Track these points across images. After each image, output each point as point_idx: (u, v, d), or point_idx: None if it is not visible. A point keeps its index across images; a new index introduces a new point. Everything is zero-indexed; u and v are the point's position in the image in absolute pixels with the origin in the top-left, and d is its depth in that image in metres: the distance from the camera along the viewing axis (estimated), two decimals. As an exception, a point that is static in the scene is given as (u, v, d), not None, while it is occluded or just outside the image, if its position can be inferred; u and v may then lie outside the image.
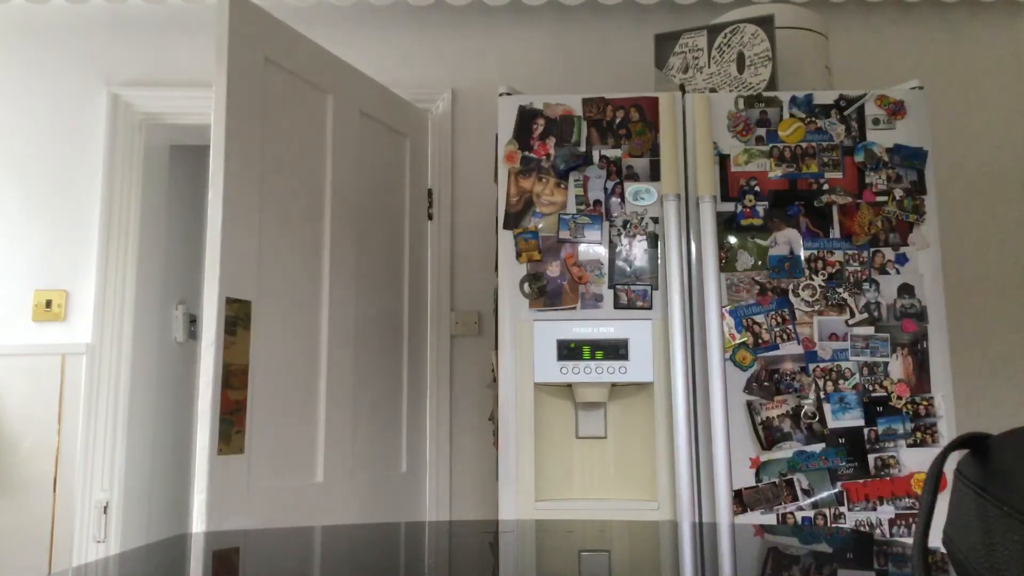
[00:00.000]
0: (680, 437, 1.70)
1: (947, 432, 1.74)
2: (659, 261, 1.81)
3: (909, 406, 1.75)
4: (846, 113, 1.87)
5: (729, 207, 1.83)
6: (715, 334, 1.74)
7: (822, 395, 1.75)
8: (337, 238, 2.05)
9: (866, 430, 1.74)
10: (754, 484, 1.72)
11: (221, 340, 1.67)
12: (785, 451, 1.73)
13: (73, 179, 2.55)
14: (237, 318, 1.72)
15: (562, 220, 1.82)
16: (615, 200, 1.84)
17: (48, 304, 2.46)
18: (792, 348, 1.77)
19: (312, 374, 1.93)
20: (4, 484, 2.36)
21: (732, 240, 1.82)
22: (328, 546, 1.05)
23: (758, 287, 1.79)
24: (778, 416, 1.74)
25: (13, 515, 2.35)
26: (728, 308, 1.79)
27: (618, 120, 1.87)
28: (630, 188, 1.84)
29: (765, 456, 1.73)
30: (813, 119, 1.87)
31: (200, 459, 1.63)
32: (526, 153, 1.87)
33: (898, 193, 1.84)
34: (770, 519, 1.71)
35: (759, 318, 1.78)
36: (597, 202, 1.84)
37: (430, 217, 2.54)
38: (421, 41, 2.67)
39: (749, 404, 1.75)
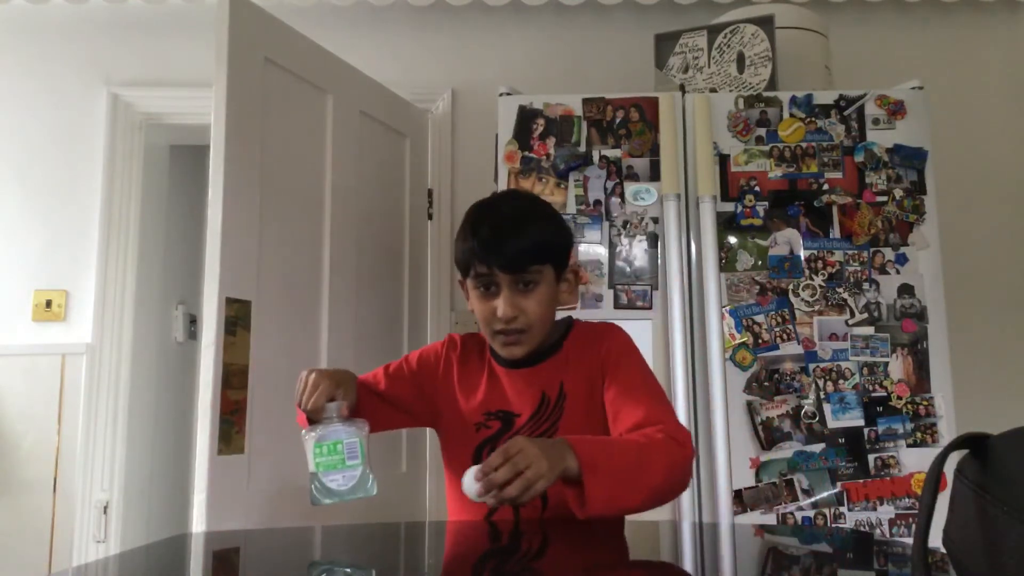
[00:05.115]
0: (680, 437, 1.69)
1: (947, 432, 1.74)
2: (659, 261, 1.81)
3: (909, 406, 1.75)
4: (846, 113, 1.87)
5: (729, 207, 1.83)
6: (715, 334, 1.74)
7: (822, 395, 1.75)
8: (337, 238, 2.04)
9: (866, 430, 1.74)
10: (754, 484, 1.72)
11: (221, 340, 1.67)
12: (785, 451, 1.73)
13: (73, 179, 2.54)
14: (237, 318, 1.72)
15: (562, 220, 1.82)
16: (615, 200, 1.84)
17: (48, 304, 2.46)
18: (792, 348, 1.77)
19: (312, 374, 1.93)
20: (4, 484, 2.36)
21: (732, 240, 1.82)
22: (328, 546, 1.05)
23: (758, 287, 1.79)
24: (778, 416, 1.74)
25: (13, 515, 2.35)
26: (728, 308, 1.78)
27: (618, 120, 1.87)
28: (630, 188, 1.84)
29: (765, 456, 1.73)
30: (813, 119, 1.87)
31: (200, 459, 1.62)
32: (526, 153, 1.87)
33: (898, 193, 1.83)
34: (770, 519, 1.71)
35: (759, 318, 1.78)
36: (597, 202, 1.84)
37: (430, 217, 2.54)
38: (421, 41, 2.66)
39: (749, 404, 1.75)
